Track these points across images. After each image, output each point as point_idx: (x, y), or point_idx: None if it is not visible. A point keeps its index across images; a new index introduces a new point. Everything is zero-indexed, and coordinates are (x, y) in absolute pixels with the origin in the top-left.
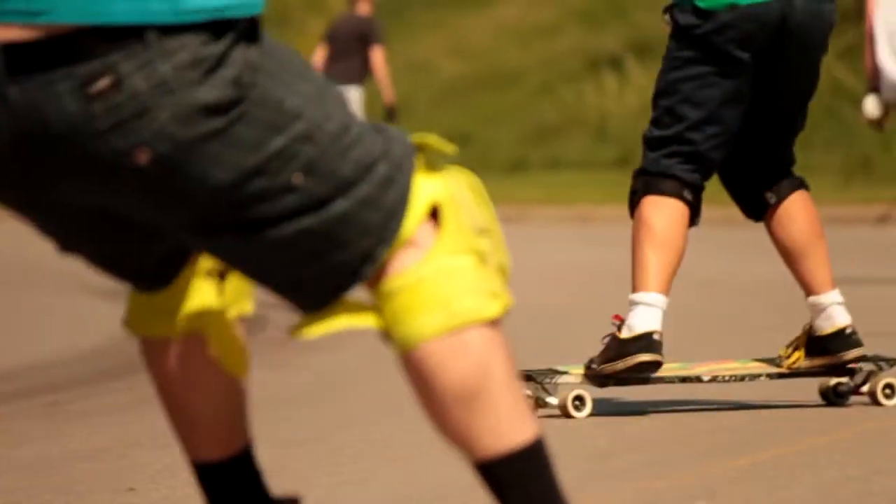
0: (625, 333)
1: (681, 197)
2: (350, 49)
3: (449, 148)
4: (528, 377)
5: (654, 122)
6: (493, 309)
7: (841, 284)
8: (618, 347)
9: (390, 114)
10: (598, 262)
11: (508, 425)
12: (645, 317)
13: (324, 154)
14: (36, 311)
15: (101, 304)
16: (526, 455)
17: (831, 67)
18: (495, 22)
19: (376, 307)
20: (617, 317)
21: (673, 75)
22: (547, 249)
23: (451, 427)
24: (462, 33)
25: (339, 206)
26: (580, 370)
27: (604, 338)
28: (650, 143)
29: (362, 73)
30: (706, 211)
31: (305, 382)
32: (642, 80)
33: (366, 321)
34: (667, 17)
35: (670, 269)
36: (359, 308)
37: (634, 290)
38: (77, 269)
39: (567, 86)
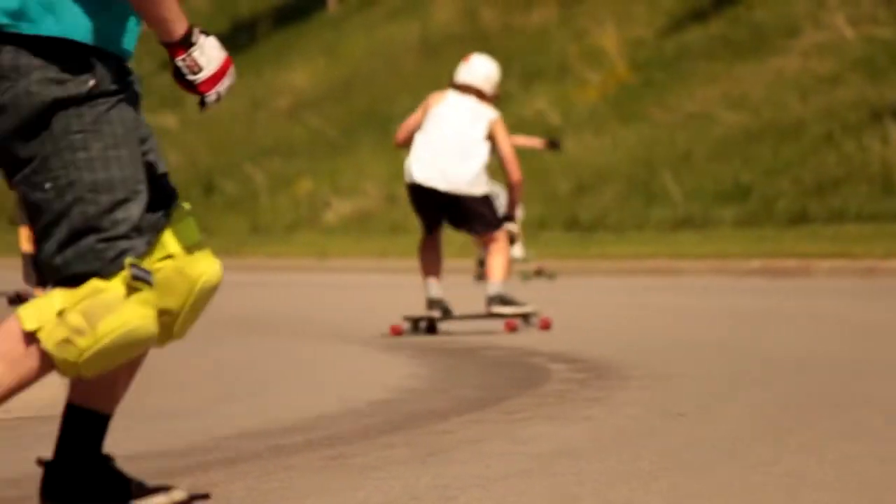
0: None
1: None
2: None
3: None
4: None
5: None
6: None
7: None
8: None
9: (553, 144)
10: (881, 317)
11: None
12: None
13: (75, 185)
14: (318, 365)
15: (382, 356)
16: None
17: None
18: (774, 73)
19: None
20: None
21: None
22: (830, 302)
23: None
24: (741, 84)
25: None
26: None
27: None
28: None
29: None
30: None
31: (583, 436)
32: None
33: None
34: None
35: None
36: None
37: None
38: (357, 324)
39: (849, 137)
